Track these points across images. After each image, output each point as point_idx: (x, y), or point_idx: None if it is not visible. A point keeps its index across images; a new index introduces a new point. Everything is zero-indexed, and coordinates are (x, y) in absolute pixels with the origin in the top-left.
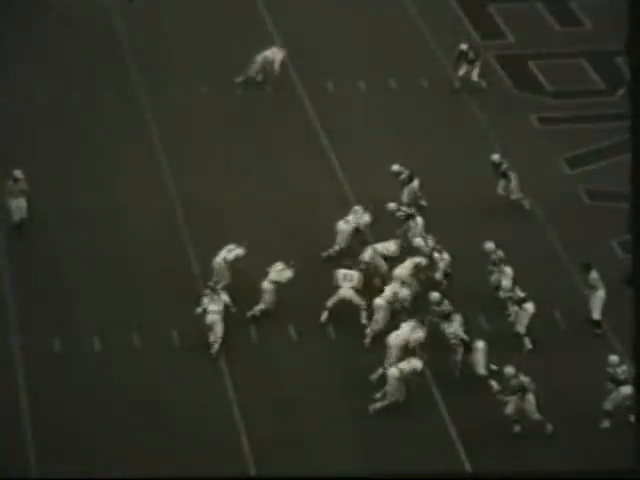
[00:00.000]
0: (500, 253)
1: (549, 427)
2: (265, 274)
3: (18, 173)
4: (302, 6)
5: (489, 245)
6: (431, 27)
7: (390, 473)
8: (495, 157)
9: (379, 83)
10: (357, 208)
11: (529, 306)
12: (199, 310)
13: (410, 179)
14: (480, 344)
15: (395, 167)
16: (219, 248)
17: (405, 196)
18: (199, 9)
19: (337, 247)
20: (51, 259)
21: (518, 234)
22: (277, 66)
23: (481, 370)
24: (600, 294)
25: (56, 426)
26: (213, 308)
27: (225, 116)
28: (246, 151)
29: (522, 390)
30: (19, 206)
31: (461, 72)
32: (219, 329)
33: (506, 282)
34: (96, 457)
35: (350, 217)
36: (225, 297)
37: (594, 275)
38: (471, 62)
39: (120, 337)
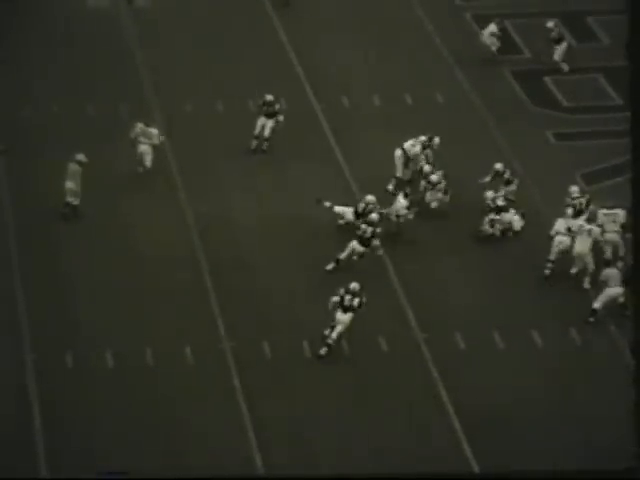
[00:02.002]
0: None
1: None
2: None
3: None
4: (317, 20)
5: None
6: (447, 41)
7: (391, 473)
8: (498, 166)
9: (394, 98)
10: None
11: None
12: None
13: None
14: None
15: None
16: (234, 264)
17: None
18: (213, 25)
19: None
20: (64, 274)
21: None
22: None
23: None
24: (610, 291)
25: (69, 442)
26: None
27: (241, 131)
28: (262, 167)
29: None
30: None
31: None
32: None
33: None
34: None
35: None
36: None
37: (607, 271)
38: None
39: (133, 353)
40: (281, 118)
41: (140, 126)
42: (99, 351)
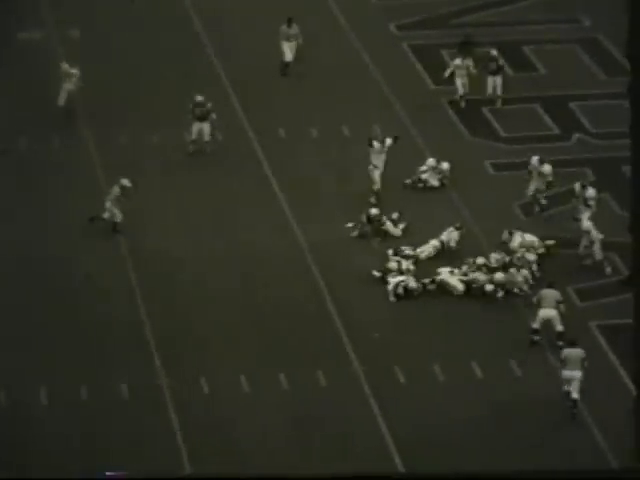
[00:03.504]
0: None
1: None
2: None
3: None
4: (253, 53)
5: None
6: (385, 74)
7: (391, 473)
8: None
9: (331, 130)
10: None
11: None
12: None
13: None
14: None
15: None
16: (171, 299)
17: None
18: (149, 59)
19: None
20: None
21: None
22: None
23: None
24: (542, 313)
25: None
26: None
27: (177, 164)
28: (198, 199)
29: None
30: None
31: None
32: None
33: None
34: None
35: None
36: None
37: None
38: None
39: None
40: (214, 116)
41: (65, 66)
42: (33, 388)
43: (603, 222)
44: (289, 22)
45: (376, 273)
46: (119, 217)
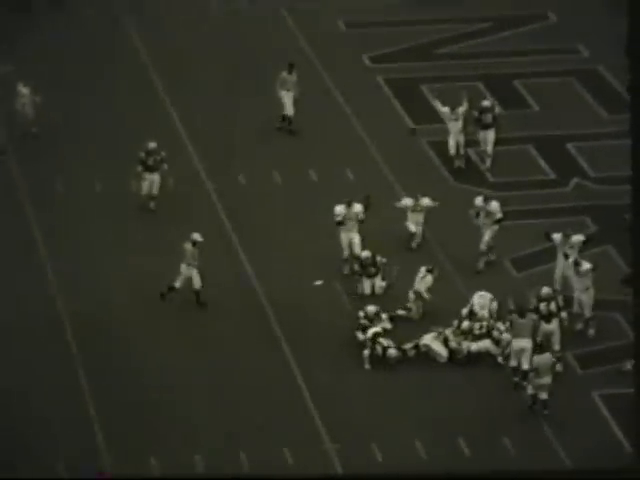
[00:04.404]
0: None
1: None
2: None
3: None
4: (205, 93)
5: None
6: (358, 112)
7: (391, 473)
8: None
9: (297, 175)
10: None
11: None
12: None
13: None
14: None
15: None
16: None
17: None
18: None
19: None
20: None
21: None
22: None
23: None
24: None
25: None
26: None
27: (121, 212)
28: (149, 256)
29: None
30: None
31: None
32: None
33: None
34: None
35: None
36: None
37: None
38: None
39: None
40: (166, 167)
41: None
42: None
43: (605, 278)
44: (290, 68)
45: (360, 335)
46: (199, 284)
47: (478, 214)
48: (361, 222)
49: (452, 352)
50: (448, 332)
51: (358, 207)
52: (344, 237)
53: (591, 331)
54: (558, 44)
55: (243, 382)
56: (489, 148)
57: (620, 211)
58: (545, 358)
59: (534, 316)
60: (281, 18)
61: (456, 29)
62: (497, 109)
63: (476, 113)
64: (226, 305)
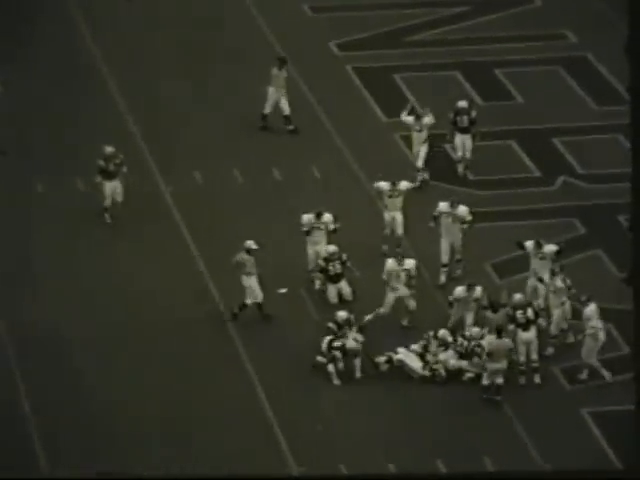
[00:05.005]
0: None
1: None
2: None
3: None
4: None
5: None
6: (325, 104)
7: (391, 473)
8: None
9: (260, 174)
10: None
11: None
12: None
13: None
14: None
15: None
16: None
17: None
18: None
19: None
20: None
21: None
22: None
23: None
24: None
25: None
26: None
27: (68, 212)
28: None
29: None
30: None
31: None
32: None
33: None
34: None
35: None
36: None
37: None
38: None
39: None
40: (125, 170)
41: None
42: None
43: (596, 285)
44: (281, 64)
45: (320, 358)
46: (260, 295)
47: (436, 218)
48: (333, 232)
49: (431, 374)
50: (422, 343)
51: (328, 217)
52: (310, 249)
53: (571, 338)
54: (543, 29)
55: (199, 400)
56: (467, 155)
57: (612, 211)
58: (503, 343)
59: (507, 310)
60: (240, 0)
61: (432, 13)
62: (474, 113)
63: (451, 115)
64: (183, 317)
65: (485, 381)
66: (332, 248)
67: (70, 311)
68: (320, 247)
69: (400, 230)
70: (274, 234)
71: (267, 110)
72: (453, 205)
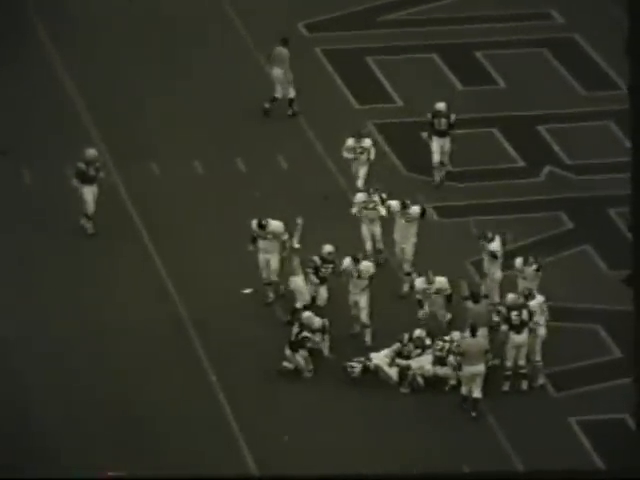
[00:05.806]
0: None
1: None
2: None
3: None
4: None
5: None
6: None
7: (391, 473)
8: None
9: (222, 165)
10: None
11: None
12: None
13: None
14: None
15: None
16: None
17: None
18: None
19: None
20: None
21: None
22: None
23: None
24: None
25: None
26: None
27: (21, 212)
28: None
29: None
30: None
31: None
32: None
33: None
34: None
35: None
36: None
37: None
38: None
39: None
40: (102, 175)
41: None
42: None
43: (584, 284)
44: (284, 43)
45: (286, 364)
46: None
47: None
48: (284, 244)
49: (409, 381)
50: (397, 346)
51: (275, 225)
52: (261, 258)
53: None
54: (527, 9)
55: (159, 406)
56: (445, 159)
57: (601, 205)
58: (478, 343)
59: (489, 301)
60: None
61: None
62: (453, 117)
63: (429, 116)
64: (139, 321)
65: (463, 389)
66: (329, 248)
67: (22, 311)
68: (270, 256)
69: (381, 245)
70: (237, 228)
71: (278, 94)
72: (405, 206)
